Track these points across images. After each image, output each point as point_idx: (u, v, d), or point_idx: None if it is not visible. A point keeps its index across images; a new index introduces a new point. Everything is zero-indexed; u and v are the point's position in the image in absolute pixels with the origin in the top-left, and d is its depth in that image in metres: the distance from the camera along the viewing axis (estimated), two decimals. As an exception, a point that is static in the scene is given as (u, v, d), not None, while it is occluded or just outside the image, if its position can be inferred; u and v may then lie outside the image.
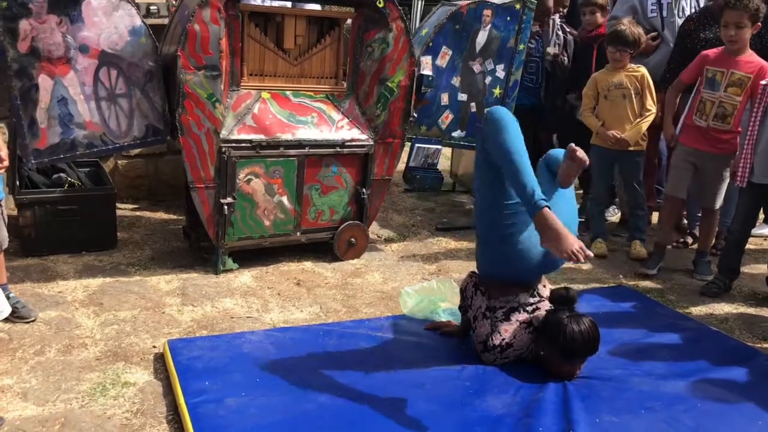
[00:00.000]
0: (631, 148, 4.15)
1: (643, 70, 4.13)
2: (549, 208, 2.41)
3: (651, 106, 4.11)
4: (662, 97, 4.21)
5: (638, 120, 4.12)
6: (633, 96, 4.11)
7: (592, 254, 2.34)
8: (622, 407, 2.51)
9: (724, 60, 3.78)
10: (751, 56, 3.74)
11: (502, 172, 2.54)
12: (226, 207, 3.52)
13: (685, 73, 3.97)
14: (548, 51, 4.89)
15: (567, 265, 4.08)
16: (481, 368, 2.73)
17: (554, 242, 2.38)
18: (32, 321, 2.97)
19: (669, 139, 4.07)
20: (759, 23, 3.70)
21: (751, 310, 3.61)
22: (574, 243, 2.35)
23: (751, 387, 2.72)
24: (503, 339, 2.71)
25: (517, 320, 2.74)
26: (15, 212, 3.71)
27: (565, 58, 4.84)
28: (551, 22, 4.94)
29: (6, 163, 2.76)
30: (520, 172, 2.45)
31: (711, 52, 3.88)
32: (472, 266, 3.25)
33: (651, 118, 4.13)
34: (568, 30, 4.90)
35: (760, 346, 3.19)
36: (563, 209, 2.68)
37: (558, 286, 2.81)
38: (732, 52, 3.75)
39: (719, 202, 3.98)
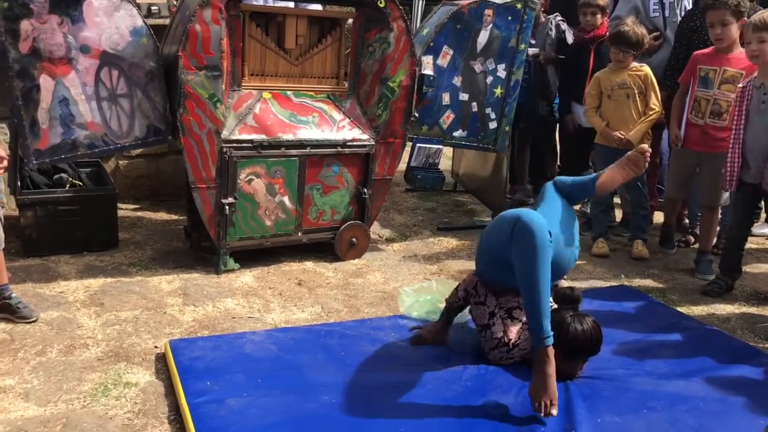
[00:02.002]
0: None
1: (647, 69, 4.13)
2: (552, 346, 2.43)
3: (655, 105, 4.11)
4: (665, 96, 4.21)
5: (642, 119, 4.12)
6: (637, 95, 4.11)
7: (555, 413, 2.35)
8: (624, 407, 2.51)
9: (716, 58, 3.82)
10: (741, 53, 3.74)
11: (520, 290, 2.51)
12: (227, 207, 3.52)
13: (683, 76, 3.99)
14: (528, 51, 4.89)
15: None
16: (483, 368, 2.72)
17: (537, 384, 2.40)
18: (34, 321, 2.97)
19: (674, 140, 4.06)
20: (745, 18, 3.70)
21: (753, 310, 3.61)
22: (550, 397, 2.36)
23: (754, 387, 2.72)
24: (510, 339, 2.70)
25: (519, 319, 2.74)
26: (16, 212, 3.71)
27: (541, 59, 4.89)
28: (546, 21, 4.95)
29: (5, 163, 2.76)
30: (536, 305, 2.42)
31: (701, 52, 3.91)
32: (473, 266, 3.25)
33: (655, 117, 4.13)
34: (564, 29, 4.90)
35: (762, 345, 3.18)
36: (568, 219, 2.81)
37: (562, 286, 2.81)
38: (722, 50, 3.77)
39: (722, 199, 3.99)
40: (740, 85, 3.55)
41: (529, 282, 2.43)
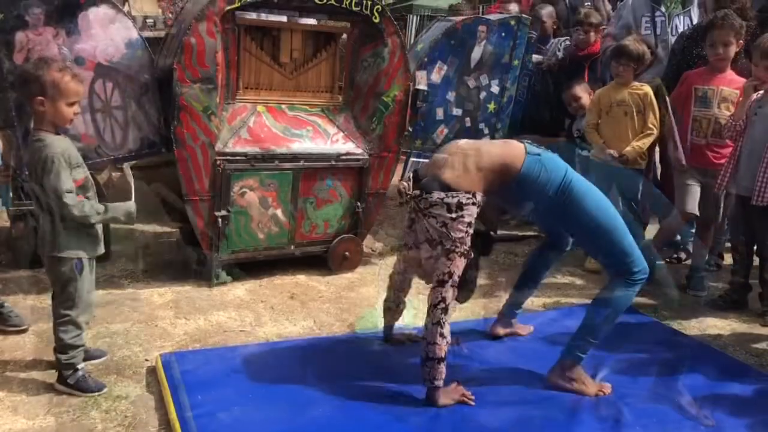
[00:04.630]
0: (631, 167, 4.12)
1: (647, 88, 4.07)
2: None
3: (653, 125, 4.06)
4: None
5: (638, 138, 4.05)
6: (635, 114, 4.06)
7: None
8: (618, 425, 2.51)
9: (711, 78, 3.83)
10: (732, 74, 3.81)
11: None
12: (220, 220, 3.51)
13: (675, 96, 3.98)
14: (533, 58, 4.91)
15: (562, 280, 4.13)
16: (474, 381, 2.72)
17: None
18: (24, 330, 2.96)
19: (678, 164, 3.96)
20: (742, 41, 3.75)
21: (744, 327, 3.62)
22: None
23: (744, 403, 2.72)
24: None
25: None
26: (8, 224, 3.69)
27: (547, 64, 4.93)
28: (554, 42, 5.01)
29: (10, 171, 2.76)
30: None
31: (693, 72, 3.93)
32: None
33: (651, 137, 4.07)
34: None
35: (753, 362, 3.19)
36: None
37: None
38: (718, 69, 3.80)
39: (718, 216, 3.99)
40: (754, 97, 3.55)
41: None
